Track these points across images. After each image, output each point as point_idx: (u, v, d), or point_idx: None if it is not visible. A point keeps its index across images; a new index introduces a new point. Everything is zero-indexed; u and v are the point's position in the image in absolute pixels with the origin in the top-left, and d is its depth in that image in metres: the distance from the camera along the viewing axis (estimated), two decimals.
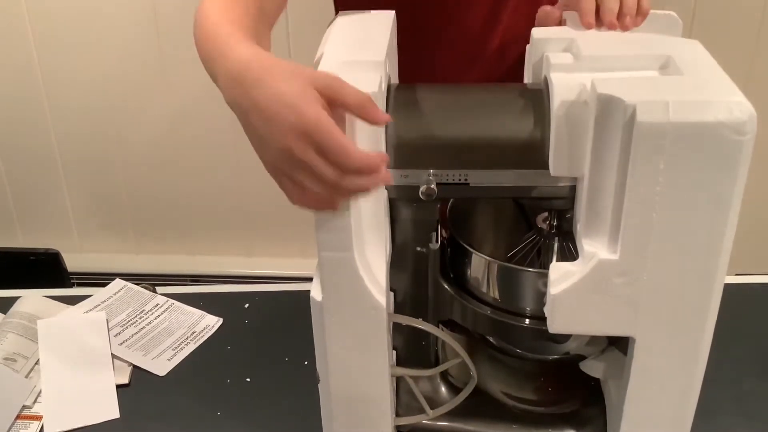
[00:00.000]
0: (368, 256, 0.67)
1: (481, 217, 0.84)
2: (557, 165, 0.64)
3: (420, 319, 0.74)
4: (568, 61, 0.66)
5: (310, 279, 0.72)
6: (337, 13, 0.82)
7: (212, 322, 1.06)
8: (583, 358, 0.77)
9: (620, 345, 0.73)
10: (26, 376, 0.95)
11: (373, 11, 0.79)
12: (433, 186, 0.67)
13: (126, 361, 0.99)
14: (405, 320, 0.74)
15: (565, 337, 0.74)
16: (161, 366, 0.98)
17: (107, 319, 1.05)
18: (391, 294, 0.72)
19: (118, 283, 1.13)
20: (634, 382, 0.68)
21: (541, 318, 0.68)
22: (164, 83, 1.89)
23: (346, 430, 0.76)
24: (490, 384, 0.81)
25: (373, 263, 0.67)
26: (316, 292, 0.69)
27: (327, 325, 0.70)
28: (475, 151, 0.64)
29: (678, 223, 0.60)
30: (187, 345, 1.02)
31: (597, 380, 0.79)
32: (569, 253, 0.75)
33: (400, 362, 0.78)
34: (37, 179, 2.05)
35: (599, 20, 0.72)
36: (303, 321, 0.75)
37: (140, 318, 1.06)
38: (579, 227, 0.65)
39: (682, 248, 0.61)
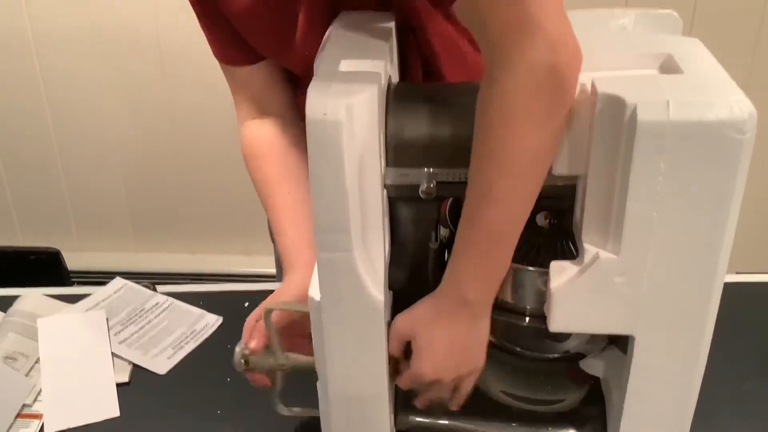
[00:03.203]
0: (367, 255, 0.67)
1: None
2: (557, 164, 0.64)
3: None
4: None
5: None
6: None
7: (212, 321, 1.06)
8: (583, 356, 0.77)
9: (620, 344, 0.73)
10: (26, 375, 0.95)
11: (373, 12, 0.79)
12: (433, 185, 0.67)
13: (126, 360, 0.99)
14: (293, 306, 0.76)
15: (565, 336, 0.74)
16: (161, 364, 0.98)
17: (107, 318, 1.05)
18: (390, 294, 0.72)
19: (118, 281, 1.13)
20: (634, 381, 0.68)
21: (541, 316, 0.68)
22: (164, 83, 1.89)
23: (345, 429, 0.76)
24: (491, 383, 0.81)
25: (373, 263, 0.67)
26: (314, 291, 0.69)
27: (326, 325, 0.70)
28: None
29: (678, 222, 0.60)
30: (187, 344, 1.02)
31: (597, 379, 0.79)
32: (569, 252, 0.75)
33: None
34: (37, 179, 2.05)
35: None
36: None
37: (140, 316, 1.06)
38: (579, 226, 0.65)
39: (682, 247, 0.61)
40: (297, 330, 0.78)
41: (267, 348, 0.77)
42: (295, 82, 0.92)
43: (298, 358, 0.77)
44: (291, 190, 0.88)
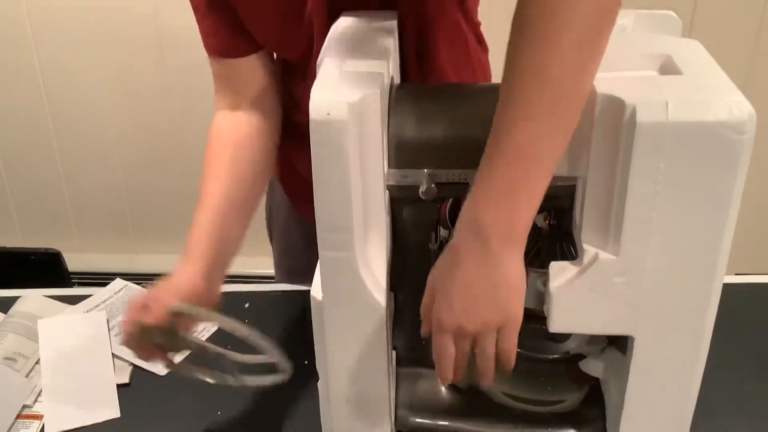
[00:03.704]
0: (368, 255, 0.67)
1: None
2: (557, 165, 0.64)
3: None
4: None
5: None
6: None
7: None
8: (582, 357, 0.77)
9: (620, 344, 0.73)
10: (26, 376, 0.95)
11: (375, 12, 0.79)
12: (433, 186, 0.67)
13: (126, 361, 0.99)
14: (198, 312, 0.78)
15: (564, 337, 0.74)
16: (161, 365, 0.98)
17: (107, 319, 1.05)
18: (391, 294, 0.72)
19: (118, 282, 1.13)
20: (634, 381, 0.68)
21: (540, 317, 0.68)
22: (164, 83, 1.89)
23: (345, 429, 0.76)
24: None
25: (374, 263, 0.67)
26: (316, 291, 0.69)
27: (327, 325, 0.70)
28: (475, 151, 0.64)
29: (678, 223, 0.60)
30: None
31: (597, 380, 0.79)
32: (569, 253, 0.75)
33: (400, 362, 0.79)
34: (37, 179, 2.05)
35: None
36: (303, 321, 0.76)
37: None
38: (579, 227, 0.65)
39: (681, 247, 0.61)
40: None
41: (162, 329, 0.77)
42: (292, 74, 0.93)
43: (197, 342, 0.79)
44: (222, 183, 0.87)
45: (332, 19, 0.79)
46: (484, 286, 0.61)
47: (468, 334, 0.63)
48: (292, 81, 0.94)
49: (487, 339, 0.63)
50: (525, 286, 0.62)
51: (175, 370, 0.84)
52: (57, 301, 1.08)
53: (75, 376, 0.96)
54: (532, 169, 0.58)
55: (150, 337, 0.78)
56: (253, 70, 0.90)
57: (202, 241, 0.84)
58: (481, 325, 0.62)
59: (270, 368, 0.77)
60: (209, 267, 0.83)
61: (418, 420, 0.80)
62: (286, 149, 1.03)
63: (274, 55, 0.93)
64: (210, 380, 0.82)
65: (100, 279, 1.22)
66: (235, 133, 0.91)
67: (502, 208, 0.59)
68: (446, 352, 0.64)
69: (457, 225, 0.62)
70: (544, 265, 0.66)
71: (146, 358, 0.82)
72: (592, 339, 0.75)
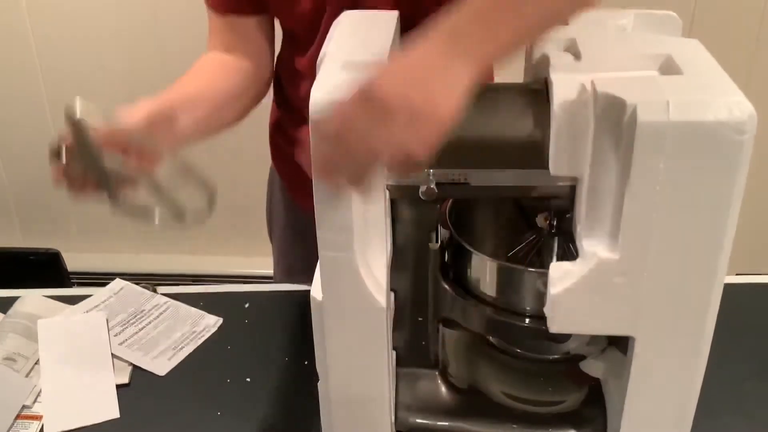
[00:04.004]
0: (369, 255, 0.67)
1: (481, 216, 0.84)
2: (557, 165, 0.64)
3: None
4: (568, 61, 0.66)
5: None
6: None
7: (212, 322, 1.06)
8: (583, 357, 0.77)
9: (620, 345, 0.73)
10: (26, 376, 0.95)
11: (376, 11, 0.79)
12: (433, 186, 0.67)
13: (126, 361, 0.99)
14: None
15: (565, 337, 0.74)
16: (161, 366, 0.98)
17: (107, 319, 1.05)
18: (392, 294, 0.72)
19: (118, 282, 1.13)
20: (634, 381, 0.68)
21: (541, 317, 0.68)
22: (164, 83, 1.89)
23: (346, 429, 0.76)
24: (491, 384, 0.81)
25: (374, 263, 0.67)
26: (316, 291, 0.69)
27: (327, 325, 0.70)
28: (475, 150, 0.64)
29: (678, 223, 0.60)
30: (187, 345, 1.02)
31: (597, 380, 0.79)
32: (569, 253, 0.75)
33: (400, 362, 0.79)
34: (37, 179, 2.05)
35: None
36: (303, 321, 0.76)
37: (140, 318, 1.06)
38: (579, 227, 0.65)
39: (682, 248, 0.61)
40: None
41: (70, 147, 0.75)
42: (295, 47, 0.92)
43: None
44: (196, 85, 0.87)
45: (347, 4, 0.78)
46: (423, 69, 0.56)
47: (381, 99, 0.54)
48: (296, 54, 0.93)
49: (396, 120, 0.54)
50: (463, 103, 0.57)
51: (113, 206, 0.79)
52: (57, 302, 1.08)
53: (75, 376, 0.96)
54: (525, 7, 0.58)
55: (72, 156, 0.75)
56: (253, 32, 0.90)
57: (160, 99, 0.85)
58: (399, 97, 0.54)
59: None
60: (161, 113, 0.83)
61: (418, 420, 0.80)
62: (287, 134, 1.03)
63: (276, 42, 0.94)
64: (145, 220, 0.79)
65: (100, 279, 1.22)
66: (221, 64, 0.91)
67: (480, 24, 0.57)
68: (344, 113, 0.56)
69: (429, 30, 0.58)
70: (544, 266, 0.66)
71: (69, 187, 0.78)
72: (593, 339, 0.75)
